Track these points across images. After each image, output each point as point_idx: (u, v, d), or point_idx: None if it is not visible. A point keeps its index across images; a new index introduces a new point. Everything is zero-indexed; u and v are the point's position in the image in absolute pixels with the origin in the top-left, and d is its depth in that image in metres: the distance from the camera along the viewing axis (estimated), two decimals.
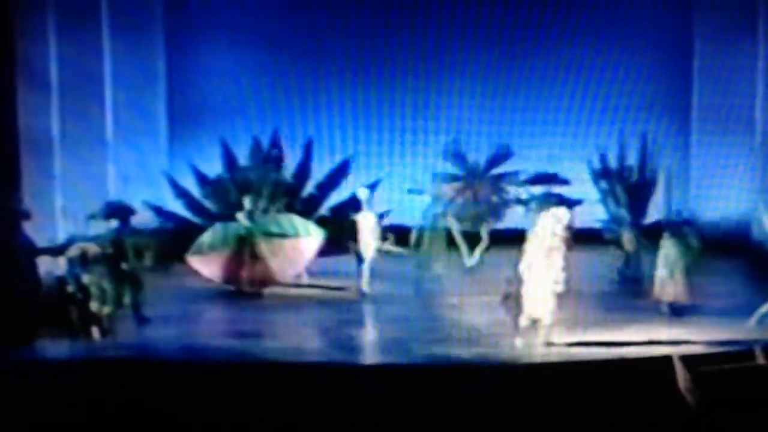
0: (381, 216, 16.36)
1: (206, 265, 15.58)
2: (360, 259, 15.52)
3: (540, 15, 18.33)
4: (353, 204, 16.04)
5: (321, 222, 16.41)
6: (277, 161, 17.21)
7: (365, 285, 15.50)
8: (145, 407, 11.49)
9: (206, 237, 15.78)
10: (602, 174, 16.89)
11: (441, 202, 17.34)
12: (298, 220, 15.98)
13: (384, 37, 18.44)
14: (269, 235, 15.70)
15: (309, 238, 15.82)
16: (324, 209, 17.48)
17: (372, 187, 16.84)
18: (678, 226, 14.35)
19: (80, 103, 15.72)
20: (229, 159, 17.48)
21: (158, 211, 17.34)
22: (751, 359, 11.27)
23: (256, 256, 15.61)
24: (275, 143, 17.42)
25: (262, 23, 18.44)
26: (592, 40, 18.41)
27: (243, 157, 17.22)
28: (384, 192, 17.59)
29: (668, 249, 14.09)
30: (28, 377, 11.79)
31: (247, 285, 15.62)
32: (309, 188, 17.60)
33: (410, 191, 17.46)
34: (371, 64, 18.51)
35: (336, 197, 17.53)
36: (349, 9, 18.38)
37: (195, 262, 15.59)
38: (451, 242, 17.03)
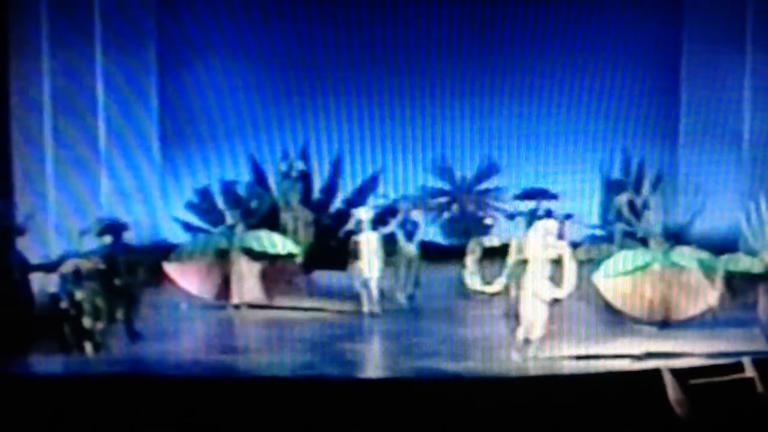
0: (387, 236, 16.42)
1: (182, 274, 15.56)
2: (362, 281, 15.33)
3: (529, 32, 18.43)
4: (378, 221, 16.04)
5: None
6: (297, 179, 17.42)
7: (373, 305, 15.33)
8: (138, 422, 11.48)
9: (187, 246, 15.85)
10: (607, 189, 16.99)
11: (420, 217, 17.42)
12: (277, 238, 15.98)
13: (371, 50, 18.53)
14: (249, 251, 15.72)
15: (288, 257, 15.82)
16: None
17: (388, 209, 16.84)
18: (666, 238, 14.48)
19: (73, 119, 15.74)
20: (257, 174, 17.69)
21: (187, 226, 17.45)
22: (740, 371, 11.34)
23: (233, 271, 15.65)
24: (300, 158, 17.70)
25: (252, 40, 18.50)
26: (579, 55, 18.50)
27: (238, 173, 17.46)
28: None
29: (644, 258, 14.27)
30: (21, 393, 11.76)
31: (220, 299, 15.65)
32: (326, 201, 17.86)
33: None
34: (358, 80, 18.58)
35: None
36: (339, 26, 18.45)
37: (171, 269, 15.57)
38: (431, 257, 17.02)
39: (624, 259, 14.43)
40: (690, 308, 14.29)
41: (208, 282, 15.61)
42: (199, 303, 15.68)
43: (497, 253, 16.84)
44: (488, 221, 18.35)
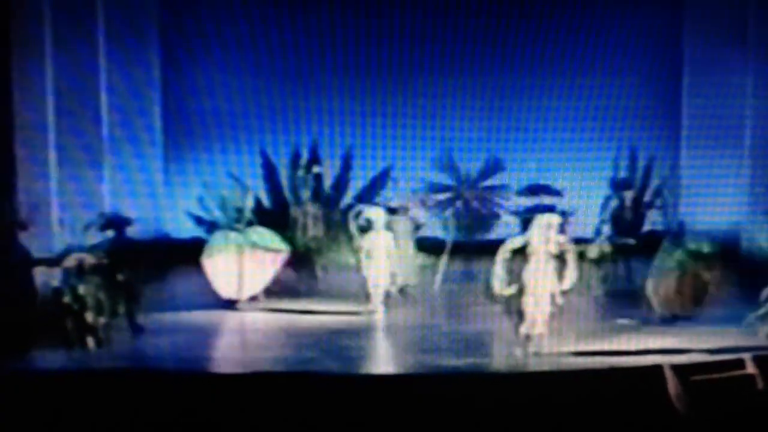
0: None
1: (212, 268, 15.58)
2: (374, 281, 15.11)
3: (533, 31, 18.45)
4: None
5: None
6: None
7: (381, 305, 15.14)
8: (141, 418, 11.51)
9: (214, 242, 15.83)
10: (613, 188, 16.99)
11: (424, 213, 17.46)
12: (269, 232, 16.02)
13: (377, 45, 18.53)
14: (254, 245, 15.76)
15: (279, 250, 15.86)
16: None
17: (396, 208, 16.66)
18: (678, 236, 14.48)
19: (76, 114, 15.75)
20: (268, 169, 17.76)
21: (199, 221, 17.51)
22: (741, 368, 11.37)
23: (247, 265, 15.68)
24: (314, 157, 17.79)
25: (258, 35, 18.51)
26: (582, 54, 18.51)
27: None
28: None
29: (667, 258, 14.26)
30: (23, 388, 11.79)
31: (237, 294, 15.68)
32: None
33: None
34: (359, 75, 18.57)
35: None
36: (347, 25, 18.46)
37: (205, 264, 15.61)
38: (435, 253, 17.00)
39: (663, 260, 14.45)
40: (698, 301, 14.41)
41: (229, 278, 15.61)
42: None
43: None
44: (505, 216, 18.34)
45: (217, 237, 15.88)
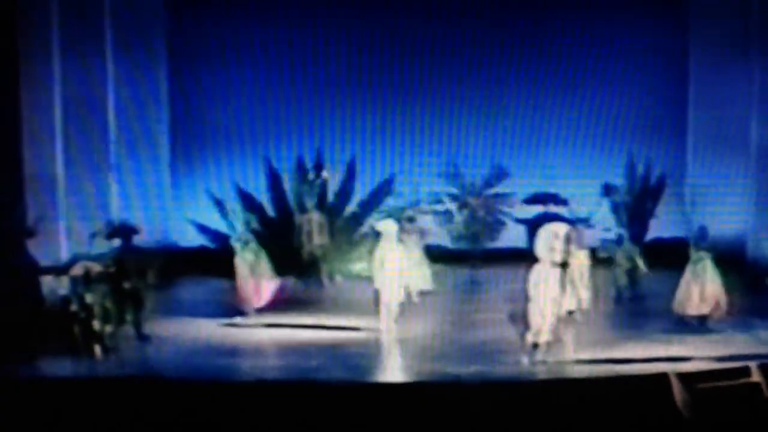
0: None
1: (237, 278, 15.58)
2: (381, 297, 14.57)
3: (539, 39, 18.49)
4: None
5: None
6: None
7: (392, 325, 14.60)
8: (147, 425, 11.53)
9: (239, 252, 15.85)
10: (604, 193, 17.00)
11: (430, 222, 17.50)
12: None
13: (382, 55, 18.58)
14: (258, 255, 15.77)
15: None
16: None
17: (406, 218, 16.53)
18: (703, 243, 14.48)
19: (84, 123, 15.83)
20: (273, 178, 17.92)
21: (202, 229, 17.49)
22: (747, 376, 11.37)
23: (254, 276, 15.70)
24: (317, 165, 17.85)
25: (265, 45, 18.57)
26: (588, 62, 18.54)
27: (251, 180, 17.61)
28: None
29: (703, 264, 14.26)
30: (30, 395, 11.82)
31: (250, 303, 15.70)
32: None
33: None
34: (364, 84, 18.63)
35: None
36: (352, 35, 18.51)
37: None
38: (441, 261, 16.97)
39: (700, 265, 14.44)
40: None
41: (244, 288, 15.59)
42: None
43: (506, 258, 16.91)
44: (511, 224, 18.36)
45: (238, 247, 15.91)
